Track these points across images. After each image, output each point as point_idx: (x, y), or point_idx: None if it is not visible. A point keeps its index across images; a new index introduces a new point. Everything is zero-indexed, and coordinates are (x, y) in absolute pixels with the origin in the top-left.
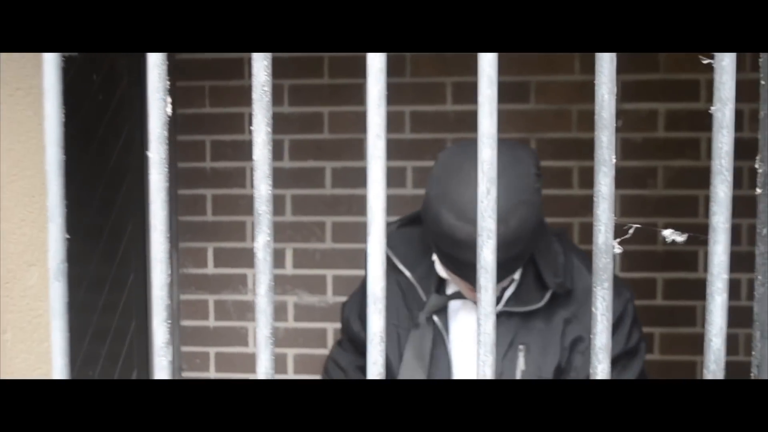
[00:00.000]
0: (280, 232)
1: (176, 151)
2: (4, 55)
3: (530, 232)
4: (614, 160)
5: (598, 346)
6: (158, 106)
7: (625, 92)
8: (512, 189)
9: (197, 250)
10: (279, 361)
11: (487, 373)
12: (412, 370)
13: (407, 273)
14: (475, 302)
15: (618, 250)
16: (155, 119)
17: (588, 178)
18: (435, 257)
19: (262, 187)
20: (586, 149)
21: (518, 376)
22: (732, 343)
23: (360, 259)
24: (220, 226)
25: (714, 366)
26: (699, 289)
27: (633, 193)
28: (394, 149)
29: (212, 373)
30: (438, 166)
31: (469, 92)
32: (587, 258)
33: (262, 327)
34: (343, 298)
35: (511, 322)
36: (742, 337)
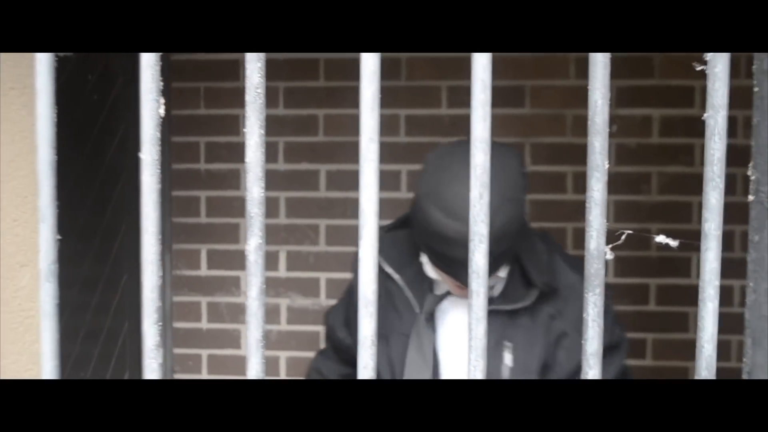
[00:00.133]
0: (273, 234)
1: (170, 152)
2: None
3: (516, 229)
4: (607, 166)
5: (590, 351)
6: (151, 107)
7: (619, 98)
8: (499, 186)
9: (191, 252)
10: (271, 364)
11: (478, 377)
12: (417, 368)
13: (396, 276)
14: (464, 299)
15: (610, 256)
16: (148, 120)
17: (582, 184)
18: (424, 258)
19: (254, 190)
20: (581, 154)
21: (505, 373)
22: (724, 350)
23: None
24: (213, 228)
25: (705, 372)
26: (692, 295)
27: (627, 199)
28: (389, 152)
29: (205, 375)
30: (427, 166)
31: (464, 96)
32: (570, 257)
33: (254, 330)
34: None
35: (497, 319)
36: (735, 344)
